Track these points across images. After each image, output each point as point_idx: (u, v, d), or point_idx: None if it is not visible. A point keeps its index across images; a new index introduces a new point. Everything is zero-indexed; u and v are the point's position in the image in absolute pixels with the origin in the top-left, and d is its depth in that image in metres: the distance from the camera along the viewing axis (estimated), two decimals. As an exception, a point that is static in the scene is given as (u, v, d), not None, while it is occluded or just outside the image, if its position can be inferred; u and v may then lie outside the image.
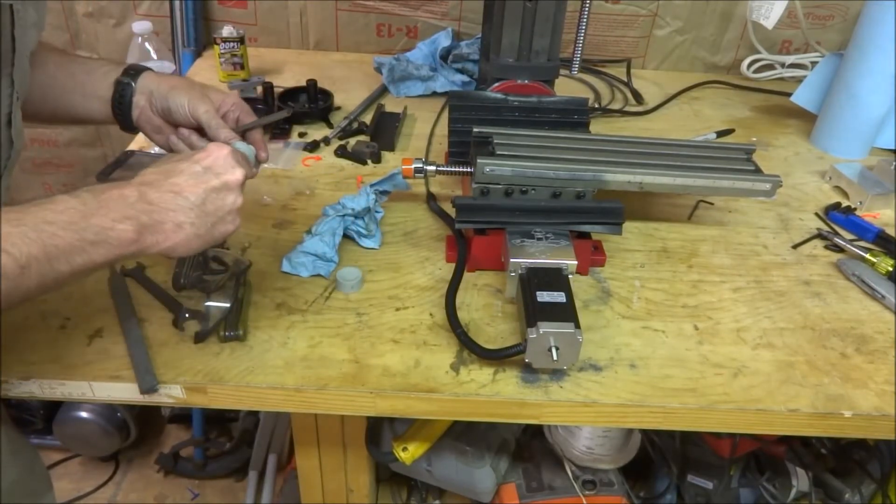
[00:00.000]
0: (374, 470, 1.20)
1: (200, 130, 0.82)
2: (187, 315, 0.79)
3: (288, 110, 0.85)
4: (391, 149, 1.20)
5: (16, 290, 0.55)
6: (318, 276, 0.88)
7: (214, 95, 0.82)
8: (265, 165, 1.11)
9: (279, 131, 1.22)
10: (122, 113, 0.82)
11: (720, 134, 1.33)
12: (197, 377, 0.74)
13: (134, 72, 0.82)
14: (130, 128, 0.84)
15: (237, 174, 0.68)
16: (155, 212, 0.62)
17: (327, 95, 1.31)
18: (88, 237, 0.58)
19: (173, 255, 0.64)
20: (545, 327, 0.71)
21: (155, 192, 0.63)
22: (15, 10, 0.63)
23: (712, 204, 1.10)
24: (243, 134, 0.83)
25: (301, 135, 1.23)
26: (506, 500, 1.21)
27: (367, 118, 1.27)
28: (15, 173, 0.73)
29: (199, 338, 0.77)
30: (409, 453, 0.99)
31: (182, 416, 1.80)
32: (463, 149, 0.98)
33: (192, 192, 0.64)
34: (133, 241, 0.60)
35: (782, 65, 1.53)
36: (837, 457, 1.36)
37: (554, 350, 0.71)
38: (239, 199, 0.68)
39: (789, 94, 1.37)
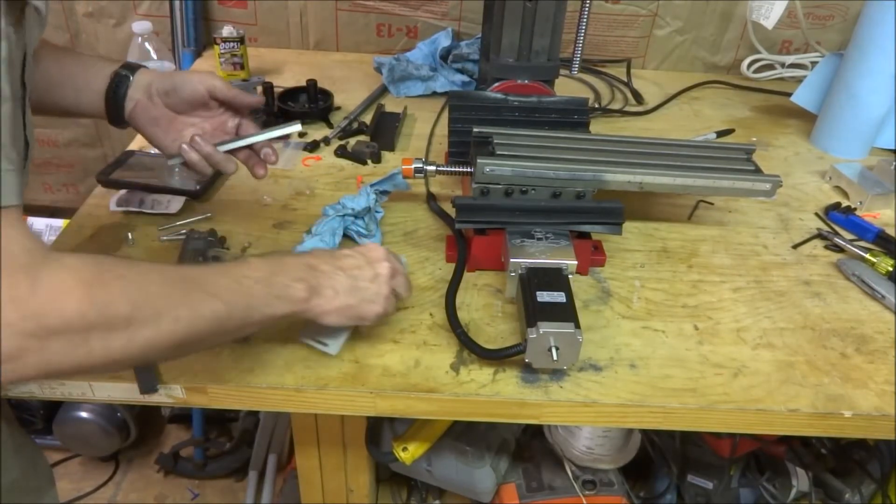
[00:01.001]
0: (374, 470, 1.20)
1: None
2: (187, 315, 0.78)
3: (298, 123, 0.86)
4: (391, 149, 1.20)
5: (220, 334, 0.63)
6: (318, 276, 0.88)
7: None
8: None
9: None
10: (114, 105, 0.82)
11: (720, 134, 1.33)
12: (197, 377, 0.74)
13: (131, 67, 0.83)
14: (120, 121, 0.83)
15: (389, 268, 0.75)
16: (322, 277, 0.70)
17: (327, 95, 1.31)
18: (274, 292, 0.66)
19: (327, 321, 0.71)
20: (545, 327, 0.71)
21: (321, 265, 0.71)
22: (28, 12, 0.64)
23: (712, 204, 1.10)
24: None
25: (301, 135, 1.23)
26: (506, 500, 1.21)
27: (367, 118, 1.27)
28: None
29: (199, 338, 0.77)
30: (409, 453, 0.99)
31: (182, 416, 1.80)
32: (463, 149, 0.98)
33: (350, 271, 0.72)
34: (304, 299, 0.68)
35: (782, 65, 1.53)
36: (837, 457, 1.36)
37: (554, 350, 0.71)
38: (384, 288, 0.74)
39: (789, 94, 1.37)
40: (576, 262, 0.82)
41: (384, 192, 1.03)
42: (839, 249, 1.01)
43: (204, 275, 0.62)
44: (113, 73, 0.82)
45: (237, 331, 0.64)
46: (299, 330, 0.77)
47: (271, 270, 0.66)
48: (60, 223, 1.47)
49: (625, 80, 1.52)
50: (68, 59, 0.83)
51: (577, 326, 0.72)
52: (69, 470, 1.78)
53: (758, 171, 0.97)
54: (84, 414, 1.59)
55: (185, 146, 0.82)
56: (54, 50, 0.83)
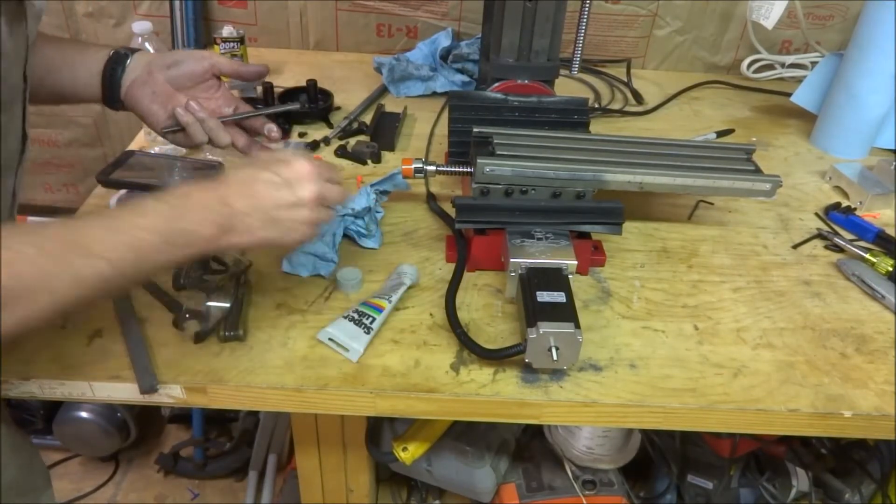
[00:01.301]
0: (374, 470, 1.20)
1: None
2: (187, 315, 0.78)
3: (297, 102, 0.87)
4: (391, 149, 1.20)
5: (110, 289, 0.60)
6: (318, 276, 0.88)
7: None
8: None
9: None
10: (111, 83, 0.82)
11: (720, 134, 1.33)
12: (197, 377, 0.74)
13: (131, 49, 0.84)
14: (115, 101, 0.84)
15: (313, 191, 0.69)
16: (233, 216, 0.65)
17: (327, 95, 1.31)
18: (174, 240, 0.62)
19: (248, 251, 0.68)
20: (545, 327, 0.71)
21: (234, 197, 0.66)
22: (27, 7, 0.65)
23: (712, 204, 1.10)
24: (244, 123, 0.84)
25: (301, 135, 1.23)
26: (506, 500, 1.21)
27: (367, 118, 1.27)
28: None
29: (199, 338, 0.77)
30: (409, 453, 0.99)
31: (182, 416, 1.80)
32: (463, 149, 0.98)
33: (267, 201, 0.67)
34: (212, 238, 0.64)
35: (782, 65, 1.53)
36: (837, 457, 1.36)
37: (554, 350, 0.71)
38: (311, 214, 0.70)
39: (789, 94, 1.37)
40: (576, 262, 0.82)
41: (384, 192, 1.03)
42: (839, 249, 1.01)
43: (88, 232, 0.58)
44: (111, 52, 0.82)
45: (129, 285, 0.62)
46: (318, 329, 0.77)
47: (171, 215, 0.62)
48: (60, 223, 1.47)
49: (625, 80, 1.52)
50: (65, 43, 0.84)
51: (577, 326, 0.72)
52: (69, 470, 1.78)
53: (758, 171, 0.97)
54: (84, 414, 1.59)
55: (179, 109, 0.82)
56: (53, 38, 0.83)
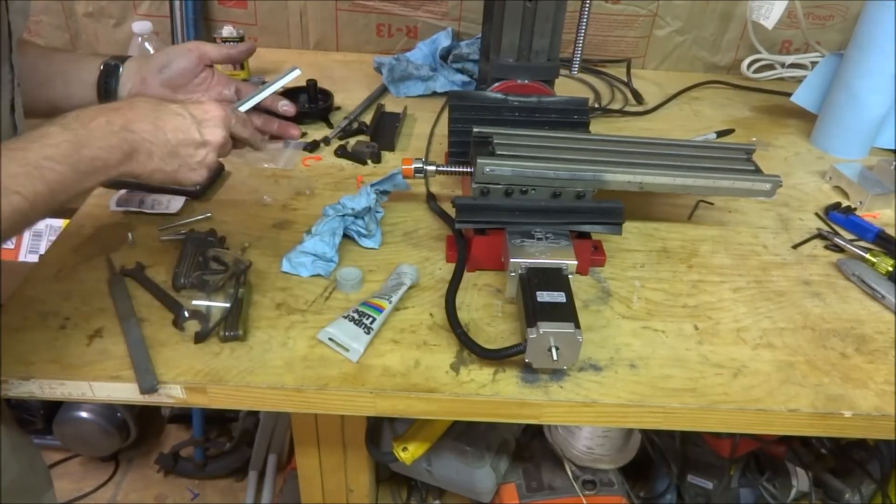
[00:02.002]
0: (374, 470, 1.20)
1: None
2: (187, 315, 0.79)
3: (296, 68, 0.86)
4: (391, 149, 1.20)
5: (24, 224, 0.60)
6: (318, 276, 0.88)
7: None
8: (266, 165, 1.12)
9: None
10: (107, 95, 0.83)
11: (720, 134, 1.33)
12: (197, 377, 0.74)
13: (119, 57, 0.83)
14: None
15: (218, 135, 0.70)
16: (136, 143, 0.66)
17: (327, 95, 1.31)
18: (82, 168, 0.62)
19: (143, 181, 0.68)
20: (545, 327, 0.71)
21: (138, 122, 0.66)
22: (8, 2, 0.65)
23: (712, 204, 1.10)
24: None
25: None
26: (506, 500, 1.21)
27: (367, 118, 1.27)
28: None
29: (199, 338, 0.77)
30: (409, 453, 0.99)
31: (182, 416, 1.80)
32: (463, 149, 0.98)
33: (171, 135, 0.67)
34: (117, 164, 0.65)
35: (782, 65, 1.53)
36: (837, 457, 1.36)
37: (554, 350, 0.71)
38: (211, 156, 0.70)
39: (789, 94, 1.37)
40: (576, 262, 0.82)
41: (384, 192, 1.03)
42: (839, 249, 1.01)
43: (1, 167, 0.58)
44: (102, 64, 0.82)
45: (47, 212, 0.62)
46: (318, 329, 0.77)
47: (77, 143, 0.62)
48: (60, 223, 1.47)
49: (625, 80, 1.52)
50: (56, 55, 0.84)
51: (577, 326, 0.72)
52: (69, 470, 1.78)
53: (758, 171, 0.97)
54: (84, 414, 1.59)
55: None
56: (41, 48, 0.83)
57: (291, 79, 0.86)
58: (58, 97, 0.83)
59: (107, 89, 0.82)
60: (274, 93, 0.87)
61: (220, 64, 0.86)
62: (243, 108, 0.83)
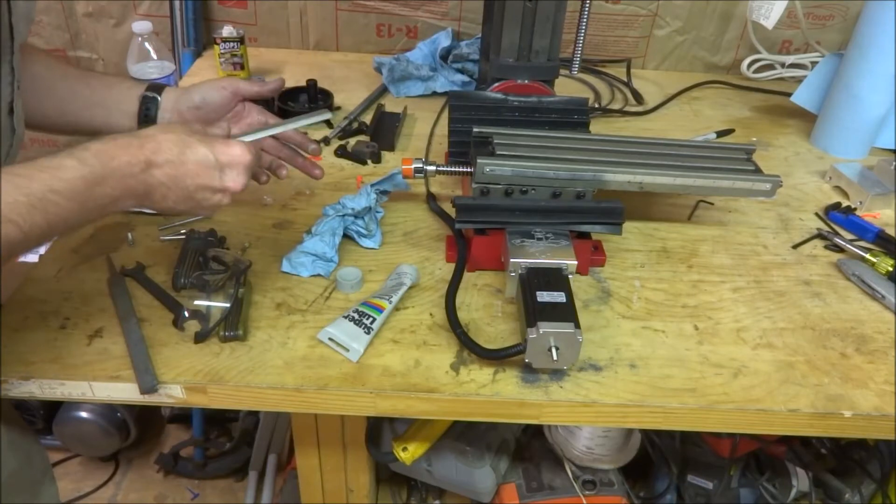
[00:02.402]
0: (374, 470, 1.20)
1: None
2: (187, 315, 0.79)
3: (327, 111, 0.87)
4: (391, 149, 1.20)
5: (15, 253, 0.58)
6: (318, 276, 0.88)
7: None
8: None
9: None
10: (147, 121, 0.83)
11: (720, 134, 1.33)
12: (197, 377, 0.74)
13: (157, 88, 0.84)
14: None
15: (239, 182, 0.69)
16: (152, 186, 0.64)
17: (327, 95, 1.31)
18: (90, 205, 0.60)
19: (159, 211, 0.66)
20: (545, 327, 0.71)
21: (158, 171, 0.64)
22: (11, 2, 0.64)
23: (712, 204, 1.10)
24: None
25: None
26: (506, 500, 1.21)
27: (367, 118, 1.27)
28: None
29: (199, 338, 0.77)
30: (409, 453, 0.99)
31: (182, 416, 1.80)
32: (463, 149, 0.98)
33: (191, 180, 0.66)
34: (128, 203, 0.64)
35: (782, 65, 1.53)
36: (837, 457, 1.36)
37: (554, 350, 0.71)
38: (226, 200, 0.70)
39: (789, 94, 1.37)
40: (576, 262, 0.82)
41: (384, 192, 1.03)
42: (839, 249, 1.01)
43: (2, 192, 0.55)
44: (140, 97, 0.83)
45: (36, 245, 0.60)
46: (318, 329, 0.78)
47: (91, 181, 0.60)
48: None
49: (625, 80, 1.52)
50: (94, 80, 0.84)
51: (577, 326, 0.72)
52: (69, 470, 1.78)
53: (758, 171, 0.97)
54: (84, 414, 1.59)
55: None
56: (80, 72, 0.84)
57: (320, 120, 0.86)
58: (99, 124, 0.83)
59: (147, 121, 0.83)
60: (304, 129, 0.88)
61: (250, 97, 0.87)
62: (263, 135, 0.82)
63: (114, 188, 0.62)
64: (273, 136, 0.84)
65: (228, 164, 0.68)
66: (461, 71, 1.43)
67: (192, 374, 0.74)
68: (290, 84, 1.34)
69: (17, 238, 0.56)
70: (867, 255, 0.96)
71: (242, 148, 0.69)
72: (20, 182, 0.57)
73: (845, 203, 1.12)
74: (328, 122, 1.27)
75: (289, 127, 0.83)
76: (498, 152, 0.90)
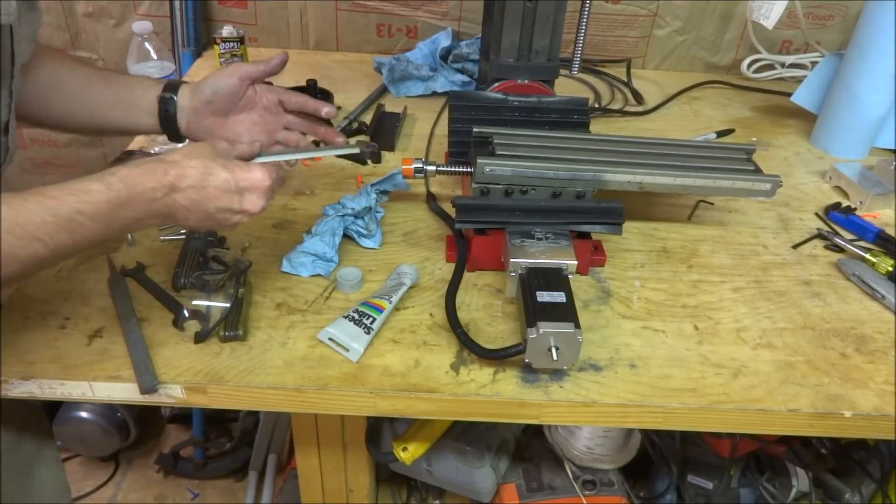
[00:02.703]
0: (374, 470, 1.20)
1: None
2: (187, 315, 0.79)
3: (354, 146, 0.90)
4: (391, 149, 1.20)
5: (41, 267, 0.63)
6: (318, 276, 0.88)
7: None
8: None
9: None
10: (168, 126, 0.86)
11: (720, 134, 1.33)
12: (197, 377, 0.74)
13: (173, 87, 0.86)
14: (179, 138, 0.87)
15: (258, 206, 0.71)
16: (174, 209, 0.68)
17: (327, 95, 1.31)
18: (114, 226, 0.64)
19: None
20: (545, 327, 0.71)
21: (181, 195, 0.67)
22: (14, 28, 0.67)
23: (712, 204, 1.10)
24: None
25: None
26: (506, 500, 1.21)
27: (367, 118, 1.27)
28: (15, 173, 0.75)
29: (199, 338, 0.77)
30: (409, 453, 0.99)
31: (182, 416, 1.80)
32: (463, 149, 0.98)
33: (212, 203, 0.69)
34: (148, 225, 0.68)
35: (782, 65, 1.53)
36: (837, 457, 1.36)
37: (554, 350, 0.71)
38: (245, 220, 0.73)
39: (789, 94, 1.37)
40: (576, 262, 0.82)
41: (384, 192, 1.03)
42: (839, 249, 1.01)
43: (29, 213, 0.59)
44: (159, 98, 0.85)
45: (62, 261, 0.65)
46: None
47: (117, 204, 0.63)
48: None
49: (625, 80, 1.52)
50: (114, 81, 0.86)
51: (577, 326, 0.72)
52: (69, 470, 1.77)
53: (758, 171, 0.97)
54: (84, 414, 1.59)
55: None
56: (98, 73, 0.86)
57: (346, 153, 0.90)
58: (123, 124, 0.86)
59: (166, 121, 0.85)
60: (314, 98, 0.91)
61: (258, 78, 0.88)
62: (284, 158, 0.84)
63: (137, 211, 0.65)
64: (293, 112, 0.90)
65: (248, 189, 0.70)
66: (461, 71, 1.43)
67: (192, 374, 0.74)
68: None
69: (44, 255, 0.61)
70: (867, 255, 0.96)
71: (263, 172, 0.71)
72: (50, 204, 0.60)
73: (845, 203, 1.12)
74: (328, 122, 1.27)
75: (308, 154, 0.88)
76: (498, 152, 0.90)
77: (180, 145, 0.76)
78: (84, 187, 0.62)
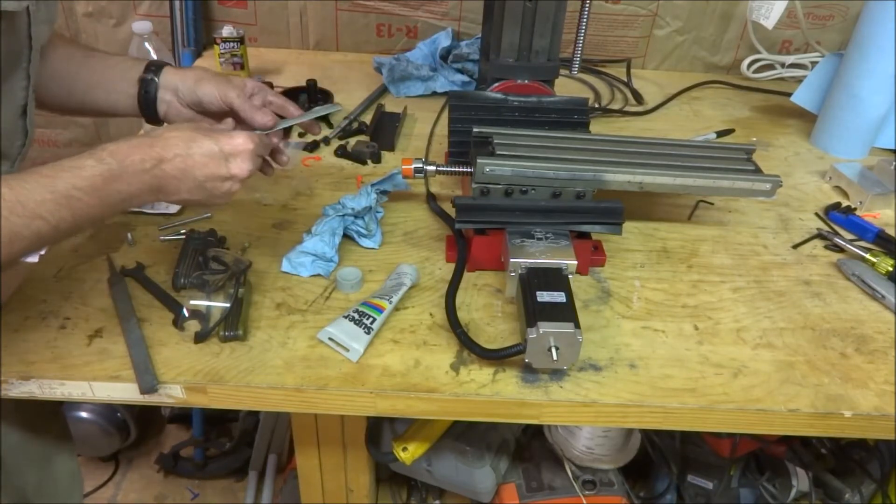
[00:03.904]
0: (374, 470, 1.20)
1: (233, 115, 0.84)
2: (187, 315, 0.79)
3: (337, 105, 0.91)
4: (391, 149, 1.20)
5: (45, 244, 0.65)
6: (318, 276, 0.88)
7: (237, 81, 0.85)
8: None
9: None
10: (147, 108, 0.85)
11: (720, 134, 1.33)
12: (197, 377, 0.74)
13: (155, 67, 0.84)
14: (157, 121, 0.86)
15: (244, 169, 0.73)
16: (164, 179, 0.69)
17: (327, 95, 1.31)
18: (109, 201, 0.66)
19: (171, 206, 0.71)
20: (545, 327, 0.71)
21: (169, 165, 0.68)
22: (31, 11, 0.67)
23: (712, 204, 1.10)
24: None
25: (301, 135, 1.23)
26: (506, 500, 1.21)
27: (367, 118, 1.27)
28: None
29: (199, 338, 0.77)
30: (409, 453, 0.99)
31: (182, 416, 1.80)
32: (463, 149, 0.98)
33: (200, 171, 0.70)
34: (143, 198, 0.69)
35: (782, 65, 1.53)
36: (837, 457, 1.36)
37: (554, 350, 0.71)
38: (236, 187, 0.73)
39: (789, 94, 1.37)
40: (576, 262, 0.82)
41: (384, 192, 1.03)
42: (839, 249, 1.01)
43: (28, 192, 0.61)
44: (139, 80, 0.84)
45: (65, 238, 0.66)
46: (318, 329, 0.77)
47: (108, 177, 0.65)
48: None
49: (625, 80, 1.52)
50: (94, 61, 0.85)
51: (577, 326, 0.72)
52: (69, 470, 1.77)
53: (758, 171, 0.97)
54: (84, 414, 1.59)
55: None
56: (83, 53, 0.85)
57: (331, 112, 0.91)
58: (102, 104, 0.86)
59: (146, 102, 0.85)
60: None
61: (238, 110, 0.85)
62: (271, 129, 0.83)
63: (129, 183, 0.66)
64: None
65: (232, 153, 0.71)
66: (461, 71, 1.43)
67: (192, 374, 0.74)
68: (290, 84, 1.35)
69: (47, 232, 0.62)
70: (867, 255, 0.96)
71: (245, 137, 0.73)
72: (46, 182, 0.62)
73: (845, 203, 1.12)
74: (328, 122, 1.28)
75: (296, 121, 0.86)
76: (498, 152, 0.90)
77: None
78: (77, 164, 0.64)
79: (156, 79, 0.84)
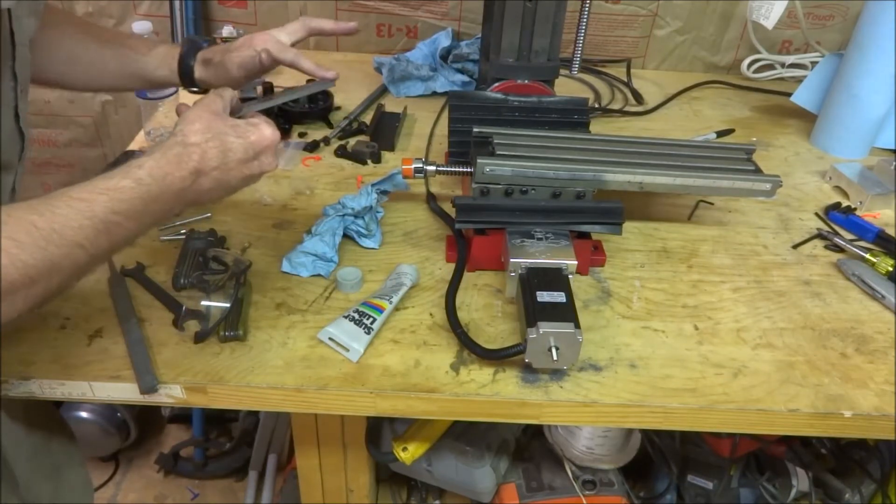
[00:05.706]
0: (374, 470, 1.20)
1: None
2: (187, 315, 0.79)
3: (329, 82, 0.97)
4: (391, 149, 1.20)
5: (83, 273, 0.60)
6: (318, 276, 0.88)
7: (245, 41, 0.92)
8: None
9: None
10: (185, 71, 0.90)
11: (720, 134, 1.33)
12: (197, 377, 0.74)
13: (193, 49, 0.91)
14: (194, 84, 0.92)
15: (272, 164, 0.72)
16: (200, 193, 0.67)
17: (327, 95, 1.31)
18: (147, 221, 0.63)
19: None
20: (545, 327, 0.71)
21: (206, 178, 0.66)
22: (10, 9, 0.65)
23: (712, 204, 1.10)
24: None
25: (301, 135, 1.23)
26: (506, 500, 1.21)
27: (367, 118, 1.27)
28: (15, 173, 0.74)
29: (199, 338, 0.77)
30: (409, 453, 0.99)
31: (182, 416, 1.80)
32: (463, 149, 0.98)
33: (234, 179, 0.69)
34: (178, 210, 0.68)
35: (782, 65, 1.53)
36: (837, 457, 1.36)
37: (554, 350, 0.71)
38: (253, 182, 0.72)
39: (789, 94, 1.37)
40: (576, 262, 0.82)
41: (384, 192, 1.03)
42: (839, 249, 1.01)
43: (64, 219, 0.56)
44: (180, 61, 0.90)
45: (95, 268, 0.62)
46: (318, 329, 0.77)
47: (148, 199, 0.61)
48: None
49: (625, 80, 1.52)
50: (112, 49, 0.90)
51: (577, 326, 0.72)
52: (69, 470, 1.77)
53: (758, 171, 0.97)
54: (84, 414, 1.59)
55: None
56: (110, 37, 0.91)
57: (325, 87, 0.96)
58: (140, 80, 0.92)
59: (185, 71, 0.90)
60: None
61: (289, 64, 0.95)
62: (273, 103, 0.88)
63: (167, 202, 0.64)
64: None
65: (262, 151, 0.70)
66: (461, 71, 1.43)
67: (192, 374, 0.74)
68: (289, 84, 1.34)
69: (84, 262, 0.58)
70: (867, 255, 0.96)
71: (272, 129, 0.71)
72: (82, 207, 0.57)
73: (845, 203, 1.12)
74: (328, 122, 1.27)
75: (295, 95, 0.92)
76: (498, 152, 0.90)
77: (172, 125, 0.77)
78: (114, 185, 0.60)
79: (192, 64, 0.90)
